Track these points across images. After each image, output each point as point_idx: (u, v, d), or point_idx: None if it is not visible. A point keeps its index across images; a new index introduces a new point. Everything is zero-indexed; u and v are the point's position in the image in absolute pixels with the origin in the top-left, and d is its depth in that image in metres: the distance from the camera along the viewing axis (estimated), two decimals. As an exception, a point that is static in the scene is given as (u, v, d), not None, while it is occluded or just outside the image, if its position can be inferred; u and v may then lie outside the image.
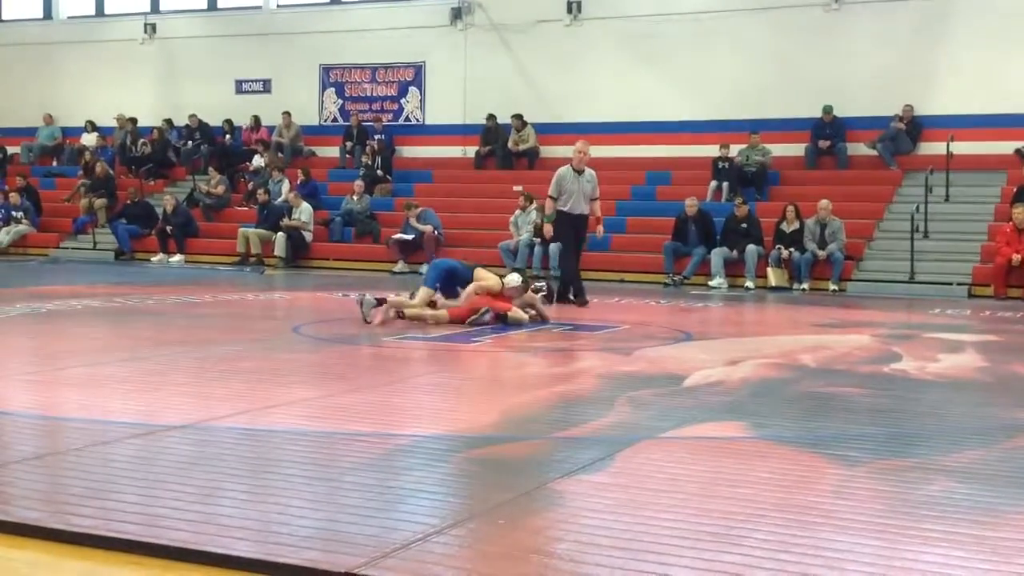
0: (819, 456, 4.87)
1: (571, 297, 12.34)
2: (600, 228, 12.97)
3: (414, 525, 3.65)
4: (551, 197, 12.58)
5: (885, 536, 3.65)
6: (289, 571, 3.24)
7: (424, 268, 17.14)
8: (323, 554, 3.35)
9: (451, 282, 10.30)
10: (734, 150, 18.73)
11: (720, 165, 18.56)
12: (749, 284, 16.12)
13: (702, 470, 4.59)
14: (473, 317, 9.82)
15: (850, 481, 4.41)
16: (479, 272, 10.33)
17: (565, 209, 12.44)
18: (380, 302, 10.05)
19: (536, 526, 3.74)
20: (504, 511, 3.86)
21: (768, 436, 5.32)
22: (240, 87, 23.96)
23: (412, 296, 10.33)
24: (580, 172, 12.47)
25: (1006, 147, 17.91)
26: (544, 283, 10.82)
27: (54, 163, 25.04)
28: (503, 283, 10.15)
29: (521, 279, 10.33)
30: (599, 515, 3.85)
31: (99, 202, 21.76)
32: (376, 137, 21.60)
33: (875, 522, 3.81)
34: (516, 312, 9.94)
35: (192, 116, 23.41)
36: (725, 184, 18.47)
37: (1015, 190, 16.26)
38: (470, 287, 10.10)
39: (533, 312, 10.30)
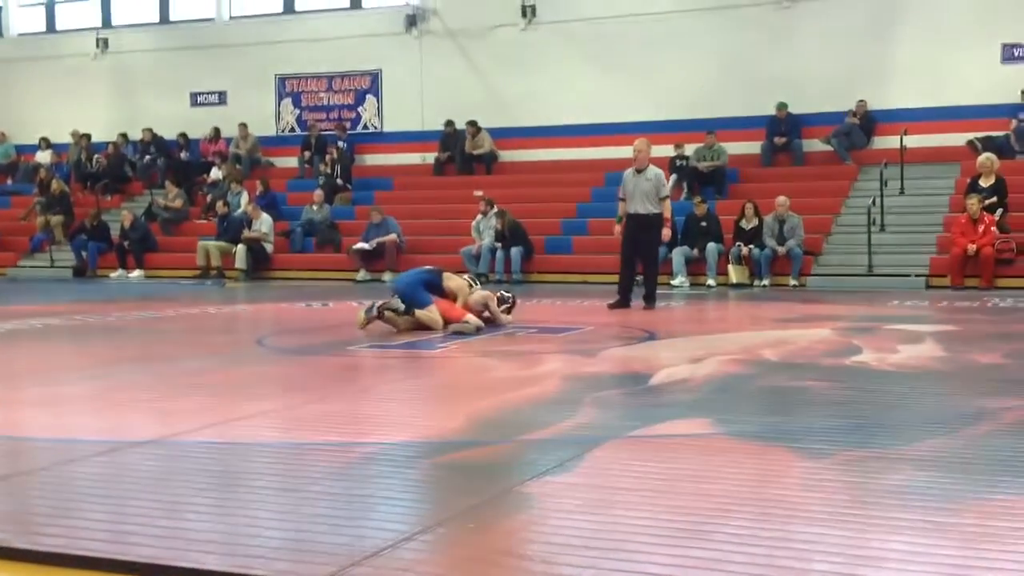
0: (784, 449, 4.91)
1: (645, 302, 12.22)
2: (666, 231, 12.47)
3: (384, 532, 3.65)
4: (620, 199, 12.51)
5: (851, 526, 3.68)
6: (260, 583, 3.23)
7: (387, 276, 17.20)
8: (293, 564, 3.34)
9: (430, 292, 10.20)
10: (689, 149, 18.88)
11: (678, 163, 18.69)
12: (710, 282, 16.23)
13: (670, 467, 4.61)
14: (456, 327, 9.77)
15: (816, 473, 4.45)
16: (448, 277, 10.34)
17: (629, 210, 12.32)
18: (380, 313, 9.88)
19: (506, 529, 3.74)
20: (473, 515, 3.87)
21: (733, 432, 5.36)
22: (195, 99, 23.83)
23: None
24: (640, 171, 12.30)
25: (958, 139, 18.14)
26: (511, 296, 10.75)
27: (8, 181, 24.79)
28: (469, 292, 10.24)
29: (483, 300, 10.30)
30: (569, 515, 3.87)
31: (55, 219, 21.57)
32: (338, 143, 21.54)
33: (841, 512, 3.85)
34: (459, 325, 9.80)
35: (146, 130, 23.25)
36: (684, 183, 18.60)
37: (968, 181, 16.47)
38: (473, 298, 10.16)
39: (486, 314, 10.28)
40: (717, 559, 3.35)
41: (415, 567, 3.33)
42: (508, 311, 10.50)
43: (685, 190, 18.49)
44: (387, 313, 9.82)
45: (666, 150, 18.95)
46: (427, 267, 10.81)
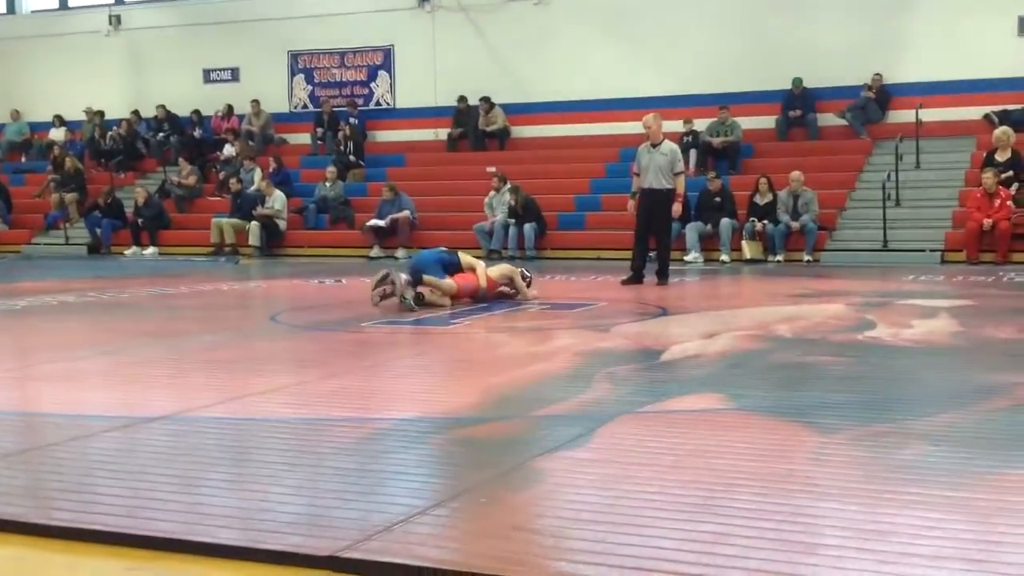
0: (796, 425, 4.91)
1: (657, 277, 12.21)
2: (677, 207, 12.32)
3: (396, 507, 3.67)
4: (634, 174, 12.46)
5: (862, 501, 3.69)
6: (272, 556, 3.25)
7: (401, 253, 17.24)
8: (306, 539, 3.36)
9: (446, 271, 10.31)
10: (703, 124, 18.78)
11: (685, 139, 18.57)
12: (724, 258, 16.19)
13: (681, 442, 4.62)
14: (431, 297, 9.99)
15: (827, 448, 4.45)
16: (463, 255, 10.56)
17: (643, 185, 12.25)
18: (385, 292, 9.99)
19: (518, 503, 3.76)
20: (485, 490, 3.88)
21: (746, 407, 5.36)
22: (208, 76, 23.81)
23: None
24: (655, 146, 12.22)
25: (975, 112, 18.01)
26: (529, 276, 10.81)
27: (23, 159, 24.84)
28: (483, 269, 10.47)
29: (509, 274, 10.54)
30: (580, 490, 3.88)
31: (69, 197, 21.62)
32: (349, 120, 21.50)
33: (852, 487, 3.85)
34: (434, 296, 9.97)
35: (160, 107, 23.25)
36: (693, 157, 18.40)
37: (984, 155, 16.37)
38: (496, 270, 10.50)
39: (510, 290, 10.45)
40: (728, 534, 3.35)
41: (428, 541, 3.34)
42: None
43: (693, 165, 18.36)
44: (389, 288, 9.91)
45: (678, 125, 18.88)
46: (442, 248, 10.94)
